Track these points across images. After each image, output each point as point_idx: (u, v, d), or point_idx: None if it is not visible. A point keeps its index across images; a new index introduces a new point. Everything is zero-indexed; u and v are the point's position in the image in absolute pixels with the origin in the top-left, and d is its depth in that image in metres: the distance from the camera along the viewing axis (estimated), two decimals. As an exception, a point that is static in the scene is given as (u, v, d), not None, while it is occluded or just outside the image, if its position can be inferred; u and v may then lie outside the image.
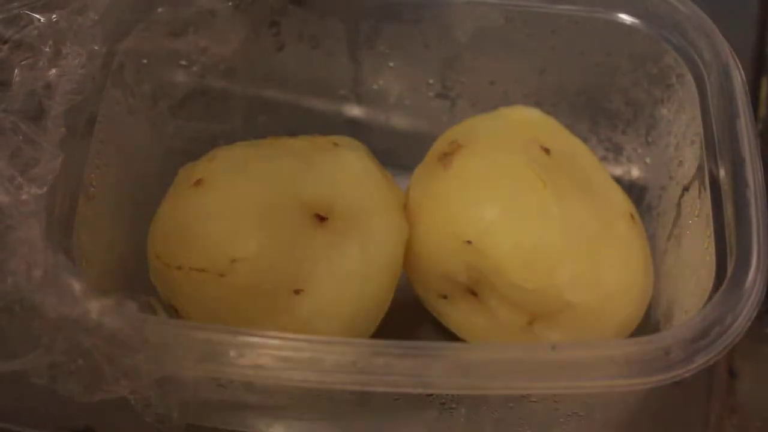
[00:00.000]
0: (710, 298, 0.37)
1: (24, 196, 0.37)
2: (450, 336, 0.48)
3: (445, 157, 0.46)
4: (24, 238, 0.35)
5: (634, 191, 0.52)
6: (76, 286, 0.35)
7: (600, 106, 0.52)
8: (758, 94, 0.59)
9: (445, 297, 0.47)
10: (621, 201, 0.47)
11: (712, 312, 0.37)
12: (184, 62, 0.49)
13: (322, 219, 0.43)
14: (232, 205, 0.42)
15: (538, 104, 0.51)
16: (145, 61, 0.47)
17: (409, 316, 0.49)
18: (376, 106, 0.55)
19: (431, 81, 0.53)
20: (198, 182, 0.44)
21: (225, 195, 0.43)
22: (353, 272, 0.43)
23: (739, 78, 0.43)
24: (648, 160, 0.52)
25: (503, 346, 0.42)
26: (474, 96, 0.53)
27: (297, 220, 0.43)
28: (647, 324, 0.47)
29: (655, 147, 0.51)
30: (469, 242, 0.43)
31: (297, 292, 0.42)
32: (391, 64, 0.52)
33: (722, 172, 0.41)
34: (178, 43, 0.48)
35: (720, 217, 0.40)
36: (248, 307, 0.42)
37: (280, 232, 0.42)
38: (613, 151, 0.54)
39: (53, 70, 0.39)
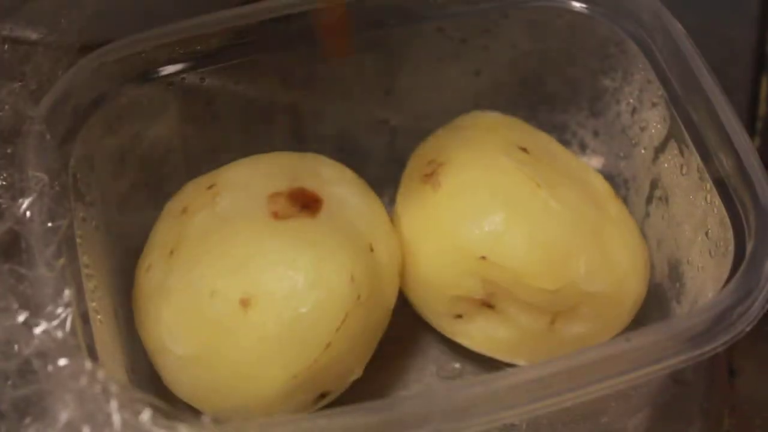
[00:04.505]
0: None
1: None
2: (454, 347, 0.47)
3: (429, 178, 0.45)
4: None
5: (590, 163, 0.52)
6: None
7: (538, 92, 0.52)
8: (758, 93, 0.58)
9: (460, 317, 0.46)
10: (602, 184, 0.47)
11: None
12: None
13: None
14: None
15: (476, 105, 0.51)
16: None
17: (410, 326, 0.48)
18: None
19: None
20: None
21: None
22: None
23: (681, 33, 0.44)
24: (598, 132, 0.53)
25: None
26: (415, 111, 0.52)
27: None
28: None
29: (603, 118, 0.52)
30: (483, 258, 0.42)
31: None
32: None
33: (702, 127, 0.42)
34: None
35: (715, 171, 0.41)
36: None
37: None
38: (559, 131, 0.54)
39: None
